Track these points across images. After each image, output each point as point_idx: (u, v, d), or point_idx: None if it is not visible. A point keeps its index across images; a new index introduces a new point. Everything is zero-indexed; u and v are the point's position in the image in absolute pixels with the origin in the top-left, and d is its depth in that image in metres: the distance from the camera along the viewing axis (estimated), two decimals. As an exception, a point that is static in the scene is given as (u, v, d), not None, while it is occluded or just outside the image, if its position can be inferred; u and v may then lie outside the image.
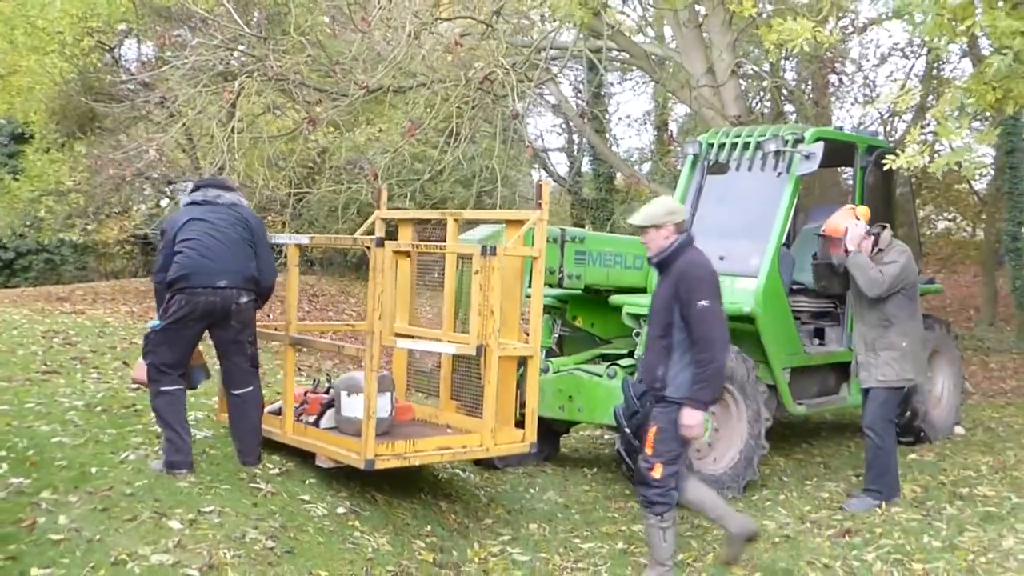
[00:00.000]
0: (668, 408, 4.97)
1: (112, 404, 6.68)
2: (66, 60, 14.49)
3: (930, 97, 15.05)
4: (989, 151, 16.09)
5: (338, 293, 18.96)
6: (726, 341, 4.89)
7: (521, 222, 6.10)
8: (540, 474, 7.47)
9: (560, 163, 26.14)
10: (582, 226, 18.84)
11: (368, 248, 5.29)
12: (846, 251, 6.31)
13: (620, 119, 22.11)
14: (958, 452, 7.89)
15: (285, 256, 6.19)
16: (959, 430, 8.69)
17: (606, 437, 8.92)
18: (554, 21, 11.56)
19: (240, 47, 12.63)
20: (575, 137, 25.94)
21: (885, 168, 6.47)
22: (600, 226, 19.87)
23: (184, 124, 13.03)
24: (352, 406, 5.54)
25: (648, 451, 5.02)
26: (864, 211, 6.48)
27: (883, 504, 6.21)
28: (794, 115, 17.66)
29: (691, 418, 4.89)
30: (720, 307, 4.89)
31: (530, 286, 6.25)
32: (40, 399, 6.76)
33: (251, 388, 5.52)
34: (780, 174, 7.27)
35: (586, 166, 25.28)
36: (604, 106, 20.91)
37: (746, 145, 7.55)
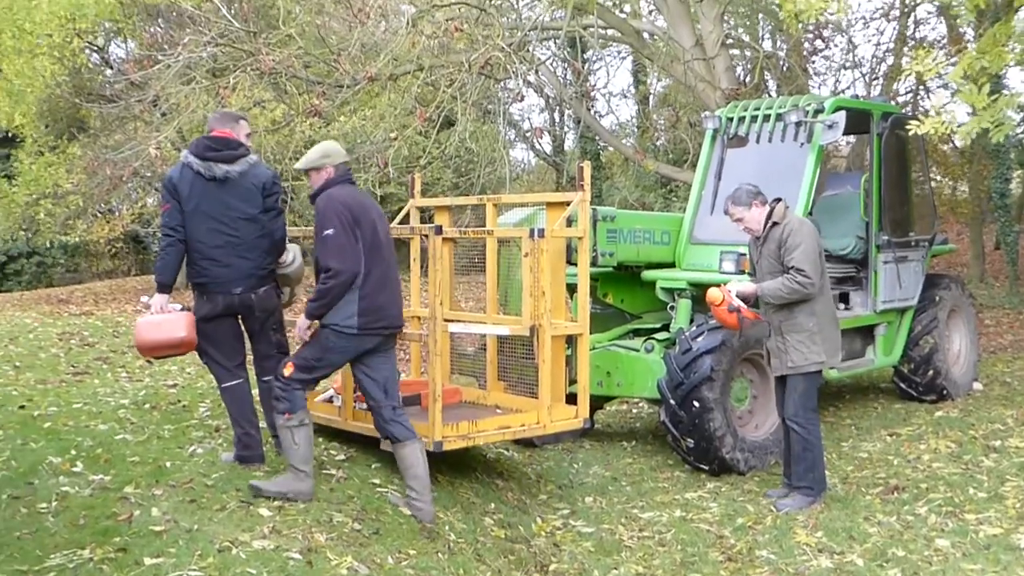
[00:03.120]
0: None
1: (159, 401, 6.76)
2: (56, 62, 14.43)
3: (904, 60, 15.30)
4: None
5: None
6: (343, 270, 4.81)
7: (561, 204, 6.21)
8: (580, 449, 7.62)
9: (544, 141, 26.23)
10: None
11: (426, 236, 5.39)
12: (738, 323, 5.78)
13: (603, 94, 22.22)
14: (981, 407, 8.13)
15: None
16: (977, 386, 8.94)
17: (635, 411, 9.09)
18: (558, 3, 11.60)
19: (231, 43, 12.59)
20: (557, 115, 26.06)
21: (909, 133, 6.58)
22: (591, 201, 19.99)
23: (178, 123, 12.99)
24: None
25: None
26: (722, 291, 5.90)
27: (817, 502, 5.79)
28: (775, 84, 17.87)
29: (300, 323, 4.98)
30: (345, 238, 4.82)
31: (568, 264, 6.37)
32: (84, 399, 6.83)
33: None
34: (802, 144, 7.41)
35: (570, 143, 25.41)
36: (589, 82, 21.01)
37: (766, 117, 7.69)
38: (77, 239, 17.62)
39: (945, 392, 8.38)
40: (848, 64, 19.22)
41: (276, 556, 4.14)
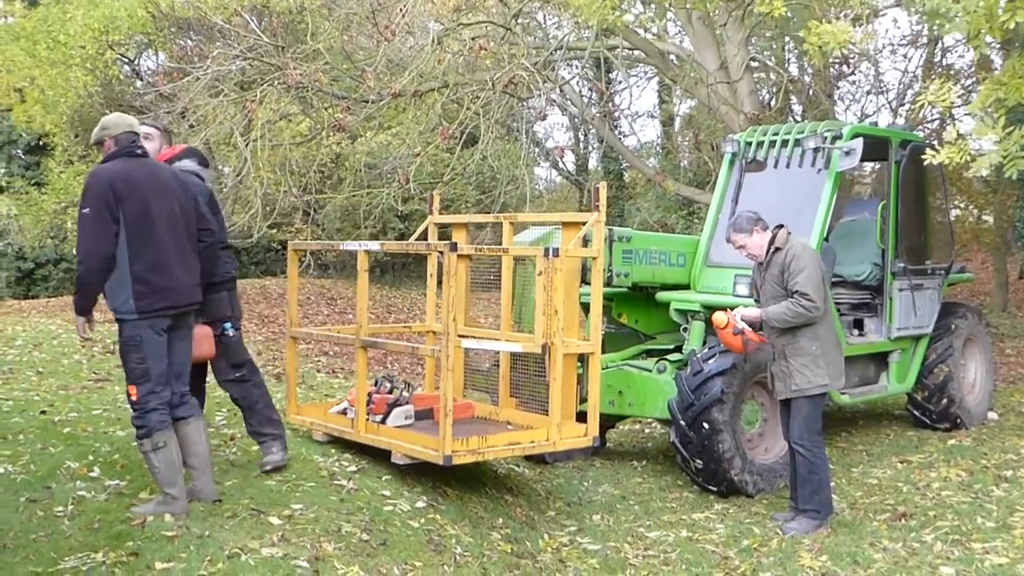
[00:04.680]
0: None
1: (177, 409, 6.86)
2: (88, 73, 14.70)
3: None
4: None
5: (354, 295, 19.14)
6: (88, 254, 4.53)
7: (577, 224, 6.29)
8: (591, 468, 7.67)
9: (568, 160, 26.38)
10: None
11: (442, 252, 5.48)
12: (743, 345, 5.93)
13: (627, 115, 22.35)
14: (995, 437, 8.11)
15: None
16: (992, 416, 8.91)
17: (647, 431, 9.13)
18: (585, 23, 11.69)
19: (259, 57, 12.77)
20: (581, 134, 26.18)
21: (925, 163, 6.61)
22: (611, 222, 20.09)
23: (205, 135, 13.18)
24: None
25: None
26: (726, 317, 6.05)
27: (823, 526, 5.84)
28: (801, 108, 17.89)
29: (77, 321, 4.78)
30: (97, 218, 4.51)
31: (582, 284, 6.44)
32: (104, 405, 6.95)
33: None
34: (820, 170, 7.46)
35: (594, 162, 25.53)
36: (614, 103, 21.13)
37: (784, 142, 7.74)
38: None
39: (959, 421, 8.36)
40: (875, 90, 19.21)
41: (284, 564, 4.22)
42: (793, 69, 19.58)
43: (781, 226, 5.93)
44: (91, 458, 5.48)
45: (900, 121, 16.61)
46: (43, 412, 6.52)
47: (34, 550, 4.14)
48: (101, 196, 4.53)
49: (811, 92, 17.55)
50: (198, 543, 4.29)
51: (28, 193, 16.28)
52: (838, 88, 18.78)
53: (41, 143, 18.42)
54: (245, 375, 5.50)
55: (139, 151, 4.78)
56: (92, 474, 5.16)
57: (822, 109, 15.53)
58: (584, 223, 6.14)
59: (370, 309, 17.58)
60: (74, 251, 17.31)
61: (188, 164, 5.35)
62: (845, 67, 17.00)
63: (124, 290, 4.58)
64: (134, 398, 4.68)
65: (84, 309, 4.73)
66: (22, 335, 10.60)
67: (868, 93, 19.35)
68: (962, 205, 21.31)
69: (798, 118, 17.48)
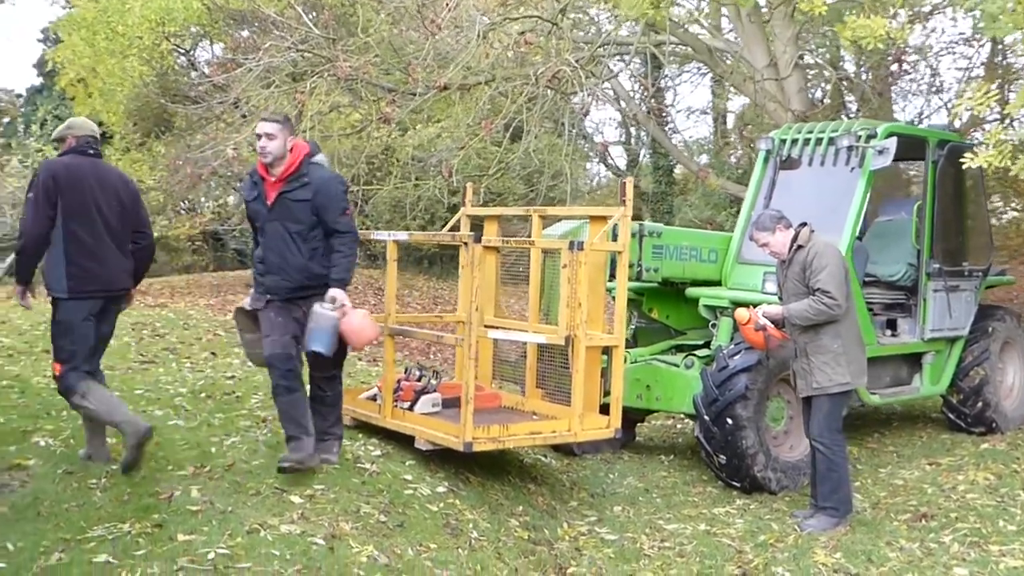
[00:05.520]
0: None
1: (214, 391, 7.10)
2: (145, 63, 15.09)
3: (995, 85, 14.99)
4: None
5: (402, 287, 19.33)
6: (29, 231, 5.00)
7: (604, 218, 6.37)
8: (618, 461, 7.74)
9: (618, 156, 26.33)
10: (641, 218, 19.07)
11: (466, 244, 5.60)
12: (765, 342, 5.92)
13: (679, 111, 22.35)
14: (1030, 442, 8.02)
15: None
16: (1030, 420, 8.79)
17: (679, 426, 9.17)
18: (625, 20, 11.74)
19: (310, 49, 12.99)
20: (632, 130, 26.13)
21: (963, 165, 6.56)
22: (659, 218, 20.07)
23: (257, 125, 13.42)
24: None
25: None
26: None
27: (842, 523, 5.85)
28: (854, 106, 17.67)
29: (17, 289, 5.23)
30: (35, 203, 4.98)
31: (611, 279, 6.52)
32: (147, 386, 7.20)
33: None
34: (853, 169, 7.44)
35: (645, 158, 25.46)
36: (664, 99, 21.08)
37: (818, 141, 7.73)
38: (158, 234, 18.29)
39: (994, 425, 8.28)
40: (932, 89, 18.88)
41: (300, 540, 4.38)
42: (849, 67, 19.34)
43: (804, 224, 5.95)
44: (128, 435, 5.70)
45: (958, 122, 16.36)
46: (87, 390, 6.77)
47: (65, 518, 4.35)
48: (43, 185, 5.03)
49: (865, 90, 17.34)
50: (220, 518, 4.46)
51: (86, 179, 16.74)
52: (894, 86, 18.51)
53: (101, 132, 18.92)
54: (338, 374, 5.66)
55: (91, 152, 5.26)
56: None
57: (871, 108, 15.33)
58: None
59: (416, 300, 17.85)
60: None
61: (320, 158, 5.55)
62: (897, 65, 16.78)
63: (58, 270, 5.04)
64: (57, 374, 5.13)
65: (23, 279, 5.21)
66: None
67: (924, 92, 19.05)
68: (1019, 208, 20.90)
69: (852, 116, 17.27)
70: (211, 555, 4.07)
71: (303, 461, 5.14)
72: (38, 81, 22.70)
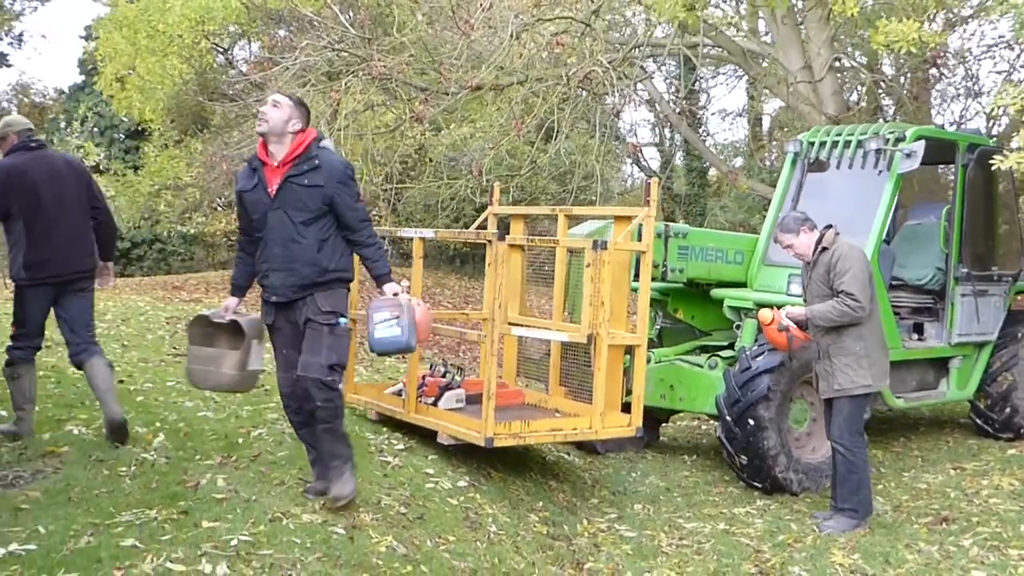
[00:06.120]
0: None
1: (243, 384, 7.22)
2: (184, 62, 15.33)
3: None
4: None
5: (434, 285, 19.48)
6: None
7: (629, 218, 6.43)
8: (641, 460, 7.79)
9: (652, 157, 26.30)
10: (673, 220, 19.04)
11: (490, 242, 5.68)
12: (788, 343, 5.92)
13: (713, 113, 22.33)
14: (1057, 448, 7.96)
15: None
16: (1059, 427, 8.70)
17: (703, 427, 9.19)
18: (658, 22, 11.76)
19: (346, 49, 13.13)
20: (666, 131, 26.09)
21: (993, 167, 6.52)
22: (691, 220, 20.04)
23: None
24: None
25: None
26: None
27: (861, 525, 5.85)
28: (892, 110, 17.53)
29: None
30: None
31: (636, 279, 6.56)
32: (178, 379, 7.34)
33: None
34: (881, 172, 7.43)
35: (678, 160, 25.40)
36: (698, 101, 21.04)
37: (847, 143, 7.72)
38: (194, 230, 18.58)
39: (1022, 431, 8.22)
40: (971, 94, 18.67)
41: (321, 529, 4.48)
42: (887, 70, 19.18)
43: (830, 226, 5.96)
44: (158, 425, 5.86)
45: (998, 128, 16.16)
46: (121, 382, 6.92)
47: (95, 504, 4.48)
48: None
49: (903, 93, 17.21)
50: (244, 506, 4.57)
51: (125, 176, 17.06)
52: (932, 90, 18.34)
53: (140, 128, 19.24)
54: (336, 381, 4.73)
55: (33, 144, 5.51)
56: (157, 439, 5.50)
57: (905, 111, 15.21)
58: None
59: (448, 299, 17.95)
60: (166, 232, 18.07)
61: (327, 143, 5.52)
62: (935, 69, 16.63)
63: (17, 260, 5.39)
64: (11, 341, 5.51)
65: None
66: (112, 310, 11.17)
67: (962, 96, 18.84)
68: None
69: (889, 120, 17.14)
70: (234, 541, 4.18)
71: (355, 491, 4.79)
72: (80, 78, 23.11)
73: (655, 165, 26.09)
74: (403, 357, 10.58)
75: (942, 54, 16.24)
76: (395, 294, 4.81)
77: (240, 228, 5.10)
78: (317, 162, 4.67)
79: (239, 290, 5.13)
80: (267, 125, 4.66)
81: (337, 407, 4.73)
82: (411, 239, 6.33)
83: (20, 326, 5.49)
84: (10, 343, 5.50)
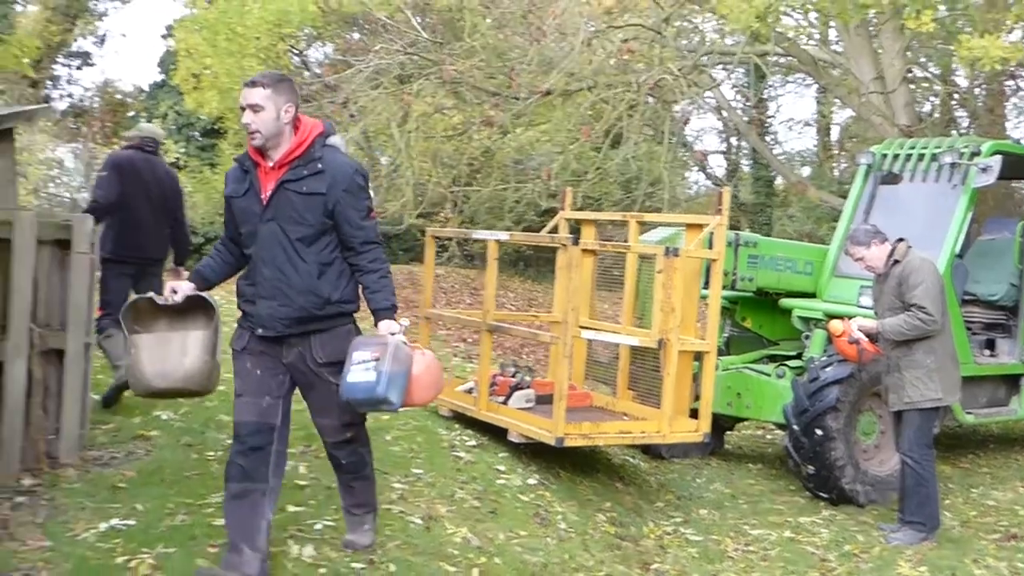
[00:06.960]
0: None
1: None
2: (262, 63, 15.70)
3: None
4: None
5: (497, 288, 19.45)
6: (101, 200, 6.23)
7: (700, 226, 6.51)
8: (706, 466, 7.85)
9: (718, 165, 26.19)
10: (739, 229, 18.97)
11: (564, 245, 5.81)
12: (858, 355, 5.93)
13: (782, 122, 22.19)
14: None
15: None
16: None
17: (769, 436, 9.21)
18: (730, 32, 11.79)
19: (418, 52, 13.34)
20: (733, 139, 25.98)
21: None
22: (757, 229, 19.94)
23: (364, 124, 13.88)
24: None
25: None
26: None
27: (929, 539, 5.85)
28: (966, 122, 17.27)
29: None
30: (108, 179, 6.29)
31: (706, 287, 6.64)
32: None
33: None
34: (955, 186, 7.40)
35: (745, 167, 25.26)
36: (766, 109, 20.93)
37: (920, 156, 7.70)
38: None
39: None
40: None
41: (399, 519, 4.66)
42: (962, 81, 18.91)
43: (902, 239, 5.98)
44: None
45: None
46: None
47: (186, 485, 4.71)
48: (113, 167, 6.44)
49: (978, 105, 16.96)
50: (326, 493, 4.77)
51: (202, 172, 17.52)
52: (1007, 103, 18.02)
53: (216, 127, 19.73)
54: (357, 433, 4.25)
55: (148, 149, 6.53)
56: (240, 427, 5.72)
57: (980, 124, 15.00)
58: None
59: (511, 302, 18.11)
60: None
61: (336, 140, 5.63)
62: (1011, 80, 16.36)
63: (115, 238, 6.33)
64: (97, 316, 5.94)
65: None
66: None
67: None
68: None
69: (963, 132, 16.89)
70: (318, 526, 4.37)
71: (373, 543, 4.23)
72: (160, 77, 23.75)
73: (720, 173, 26.01)
74: (469, 356, 10.77)
75: (1018, 67, 16.01)
76: (392, 333, 3.85)
77: (226, 236, 4.12)
78: (320, 165, 3.79)
79: (202, 281, 4.07)
80: (260, 136, 3.74)
81: (363, 457, 4.20)
82: (481, 241, 6.48)
83: (105, 307, 6.16)
84: (96, 320, 5.89)
